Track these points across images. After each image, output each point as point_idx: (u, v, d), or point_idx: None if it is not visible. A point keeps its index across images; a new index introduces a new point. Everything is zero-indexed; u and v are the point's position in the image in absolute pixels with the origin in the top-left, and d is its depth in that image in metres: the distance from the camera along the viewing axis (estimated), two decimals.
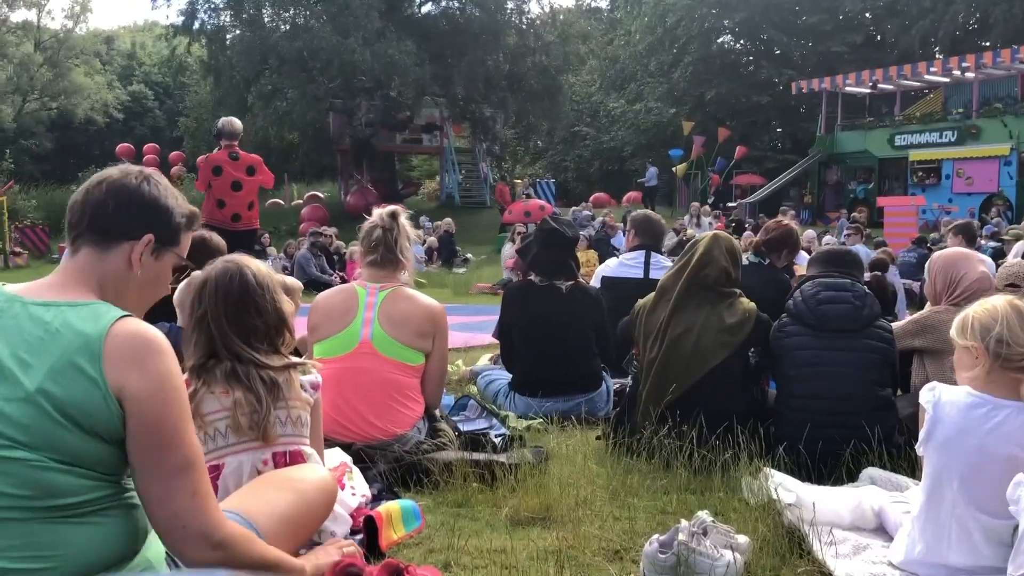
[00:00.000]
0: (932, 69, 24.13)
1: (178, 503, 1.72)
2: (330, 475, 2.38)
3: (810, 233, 12.77)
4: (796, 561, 2.42)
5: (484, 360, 5.73)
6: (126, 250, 1.83)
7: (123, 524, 1.77)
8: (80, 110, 35.20)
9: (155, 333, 1.76)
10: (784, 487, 2.74)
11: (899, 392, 3.66)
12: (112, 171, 1.89)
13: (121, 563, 1.76)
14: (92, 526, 1.71)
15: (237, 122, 7.97)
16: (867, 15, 33.69)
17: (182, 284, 3.58)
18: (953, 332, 2.41)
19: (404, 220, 3.58)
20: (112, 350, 1.68)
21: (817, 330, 3.36)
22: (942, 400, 2.35)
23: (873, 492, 2.80)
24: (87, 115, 35.41)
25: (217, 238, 4.20)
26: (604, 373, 4.52)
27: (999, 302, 2.34)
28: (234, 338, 2.36)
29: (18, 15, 35.83)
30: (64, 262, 1.86)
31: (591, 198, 25.29)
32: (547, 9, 28.02)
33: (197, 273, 2.49)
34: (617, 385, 4.52)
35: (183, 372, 2.32)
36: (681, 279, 3.61)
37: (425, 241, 16.56)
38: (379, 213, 3.59)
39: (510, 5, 26.23)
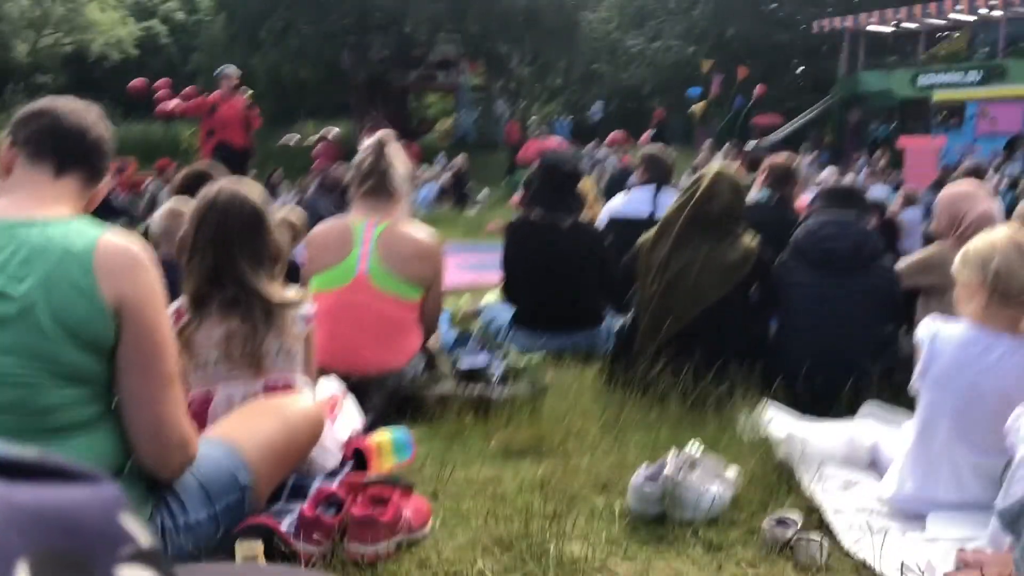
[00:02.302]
0: (958, 7, 23.40)
1: (166, 410, 1.80)
2: (316, 404, 2.38)
3: (830, 170, 12.57)
4: (784, 496, 2.42)
5: (490, 298, 5.71)
6: (100, 184, 1.94)
7: (110, 440, 1.80)
8: (95, 46, 34.91)
9: (140, 247, 1.82)
10: (777, 421, 2.73)
11: (905, 329, 3.63)
12: (80, 103, 1.95)
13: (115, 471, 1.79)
14: (80, 442, 1.74)
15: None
16: None
17: (157, 215, 3.55)
18: (954, 265, 2.36)
19: (394, 148, 3.51)
20: (103, 263, 1.72)
21: (818, 266, 3.32)
22: (939, 335, 2.31)
23: (869, 427, 2.78)
24: (102, 50, 35.13)
25: (220, 169, 4.18)
26: (607, 310, 4.50)
27: (999, 235, 2.29)
28: (241, 262, 2.33)
29: None
30: (37, 180, 1.84)
31: (608, 137, 24.95)
32: None
33: (176, 204, 2.46)
34: (619, 325, 4.49)
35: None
36: (683, 214, 3.56)
37: (440, 178, 16.42)
38: (367, 142, 3.54)
39: None
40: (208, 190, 2.40)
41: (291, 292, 2.47)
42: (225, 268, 2.32)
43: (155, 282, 1.80)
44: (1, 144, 1.88)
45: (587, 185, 11.26)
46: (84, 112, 1.91)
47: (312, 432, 2.31)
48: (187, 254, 2.37)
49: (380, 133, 3.59)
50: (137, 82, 20.33)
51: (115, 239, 1.77)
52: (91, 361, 1.73)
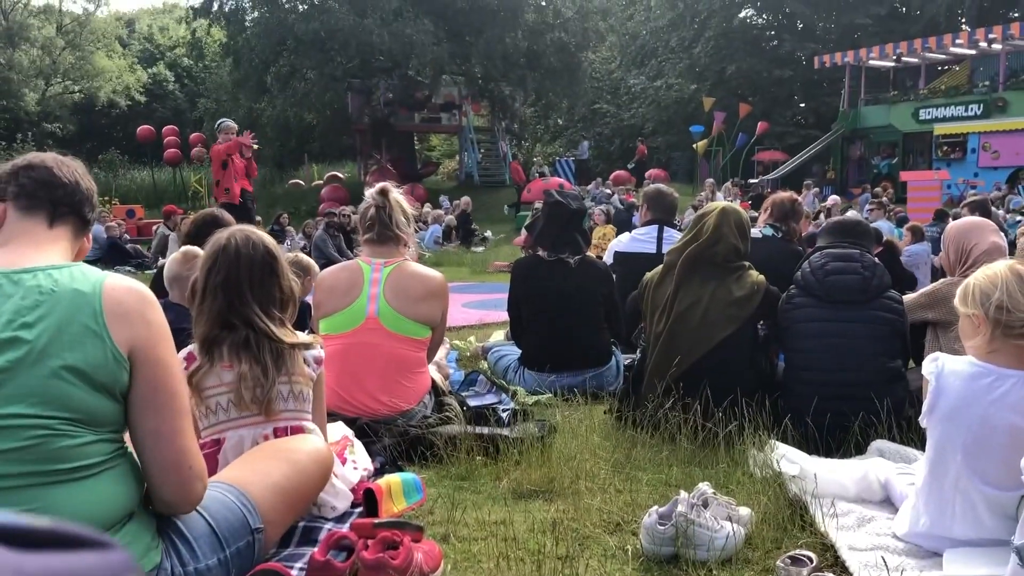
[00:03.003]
0: (958, 41, 23.65)
1: (186, 443, 1.84)
2: (325, 446, 2.38)
3: (834, 198, 12.59)
4: (798, 533, 2.39)
5: (497, 336, 5.72)
6: (87, 234, 2.00)
7: (121, 484, 1.79)
8: (102, 93, 35.44)
9: (144, 286, 1.86)
10: (788, 459, 2.71)
11: (912, 365, 3.62)
12: (64, 157, 1.99)
13: (116, 526, 1.77)
14: (92, 486, 1.73)
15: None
16: None
17: (170, 259, 3.58)
18: (956, 301, 2.36)
19: (396, 195, 3.58)
20: (111, 306, 1.74)
21: (825, 301, 3.32)
22: (945, 370, 2.29)
23: (880, 464, 2.76)
24: (109, 98, 35.64)
25: (228, 215, 4.23)
26: (614, 348, 4.50)
27: (1000, 267, 2.28)
28: (254, 305, 2.35)
29: None
30: (32, 231, 1.86)
31: (611, 176, 25.07)
32: None
33: (189, 249, 2.48)
34: (628, 360, 4.49)
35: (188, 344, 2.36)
36: (688, 252, 3.57)
37: (443, 220, 16.52)
38: (370, 192, 3.60)
39: None
40: (220, 234, 2.43)
41: (302, 335, 2.48)
42: (236, 311, 2.33)
43: (162, 320, 1.83)
44: None
45: (608, 231, 11.34)
46: (72, 164, 1.96)
47: (322, 474, 2.31)
48: (199, 298, 2.38)
49: (380, 184, 3.66)
50: (144, 129, 20.60)
51: (120, 281, 1.80)
52: (104, 404, 1.74)
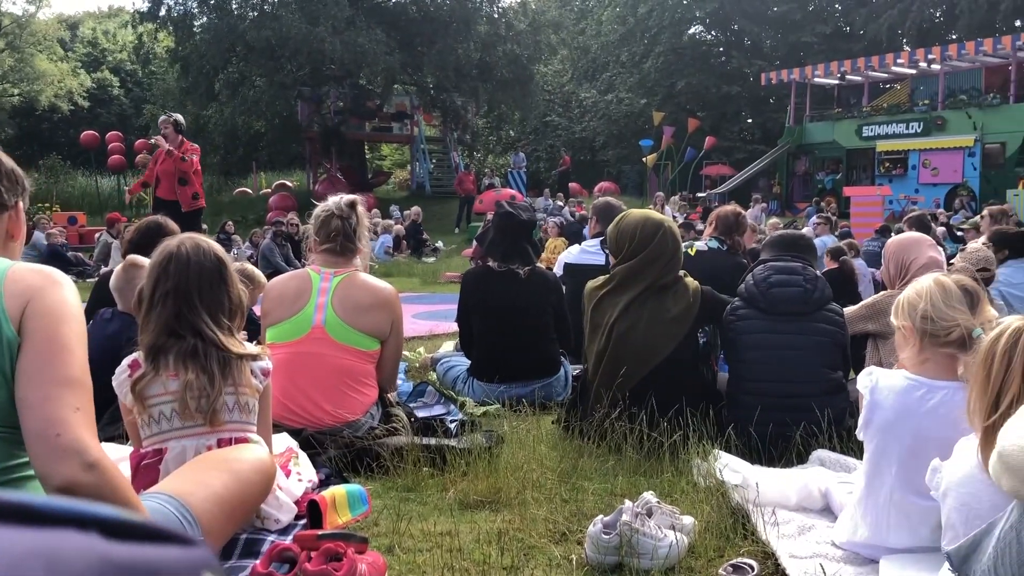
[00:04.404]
0: (899, 61, 24.36)
1: (56, 411, 1.61)
2: (268, 456, 2.35)
3: (774, 221, 12.83)
4: (740, 542, 2.43)
5: (446, 347, 5.71)
6: (5, 220, 1.87)
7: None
8: (43, 97, 34.62)
9: (56, 271, 1.78)
10: (731, 468, 2.75)
11: (853, 375, 3.70)
12: None
13: None
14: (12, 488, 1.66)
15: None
16: (836, 5, 33.96)
17: (117, 269, 3.52)
18: (891, 316, 2.43)
19: (362, 209, 3.57)
20: (11, 285, 1.68)
21: (768, 313, 3.38)
22: (879, 384, 2.35)
23: (820, 473, 2.82)
24: (51, 102, 34.83)
25: (172, 223, 4.16)
26: (563, 359, 4.52)
27: (926, 281, 2.37)
28: (202, 313, 2.32)
29: None
30: None
31: (569, 187, 25.25)
32: None
33: (135, 257, 2.44)
34: (576, 371, 4.51)
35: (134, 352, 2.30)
36: (622, 273, 3.59)
37: (393, 230, 16.45)
38: (336, 202, 3.56)
39: None
40: (170, 241, 2.40)
41: (250, 346, 2.45)
42: (184, 319, 2.30)
43: (65, 297, 1.72)
44: None
45: (559, 243, 11.40)
46: None
47: (264, 484, 2.27)
48: (146, 305, 2.34)
49: (349, 196, 3.62)
50: (88, 134, 20.18)
51: (26, 266, 1.73)
52: (7, 393, 1.65)
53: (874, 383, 2.36)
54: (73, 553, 0.43)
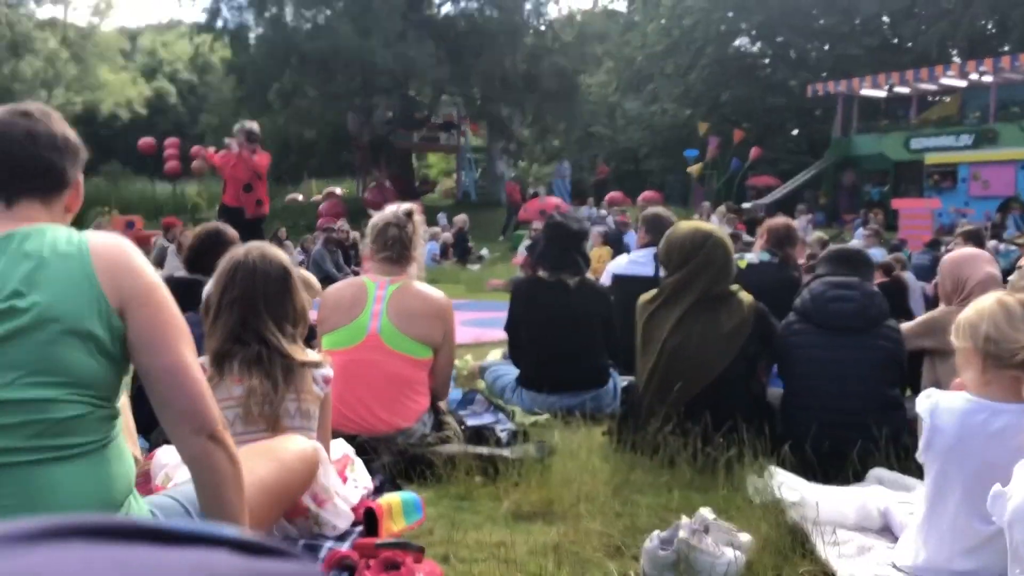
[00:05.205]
0: (949, 73, 23.92)
1: (203, 378, 1.75)
2: (311, 445, 2.37)
3: (818, 234, 12.66)
4: (798, 560, 2.40)
5: (494, 355, 5.73)
6: (63, 196, 1.84)
7: (121, 461, 1.75)
8: (105, 106, 35.59)
9: (123, 237, 1.80)
10: (788, 485, 2.72)
11: (909, 392, 3.64)
12: (12, 118, 1.78)
13: (119, 507, 1.73)
14: (90, 464, 1.67)
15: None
16: (884, 18, 33.44)
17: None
18: (951, 335, 2.39)
19: (418, 218, 3.61)
20: (100, 263, 1.68)
21: (824, 329, 3.34)
22: (940, 407, 2.29)
23: (879, 492, 2.78)
24: (111, 111, 35.78)
25: (231, 230, 4.24)
26: (612, 370, 4.51)
27: (988, 300, 2.32)
28: (267, 320, 2.38)
29: (44, 11, 36.38)
30: None
31: (606, 197, 25.18)
32: (565, 11, 28.04)
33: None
34: (625, 382, 4.50)
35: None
36: (678, 288, 3.56)
37: (440, 238, 16.55)
38: (394, 211, 3.60)
39: (528, 6, 26.26)
40: (237, 250, 2.46)
41: (312, 353, 2.49)
42: (250, 326, 2.35)
43: (149, 267, 1.76)
44: None
45: (604, 252, 11.38)
46: (25, 134, 1.76)
47: (307, 472, 2.30)
48: (213, 312, 2.40)
49: (407, 205, 3.67)
50: (145, 141, 20.62)
51: (102, 237, 1.75)
52: (103, 367, 1.68)
53: (934, 406, 2.31)
54: (226, 567, 0.46)
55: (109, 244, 1.73)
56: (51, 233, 1.70)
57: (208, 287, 2.59)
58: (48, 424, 1.62)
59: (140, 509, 1.82)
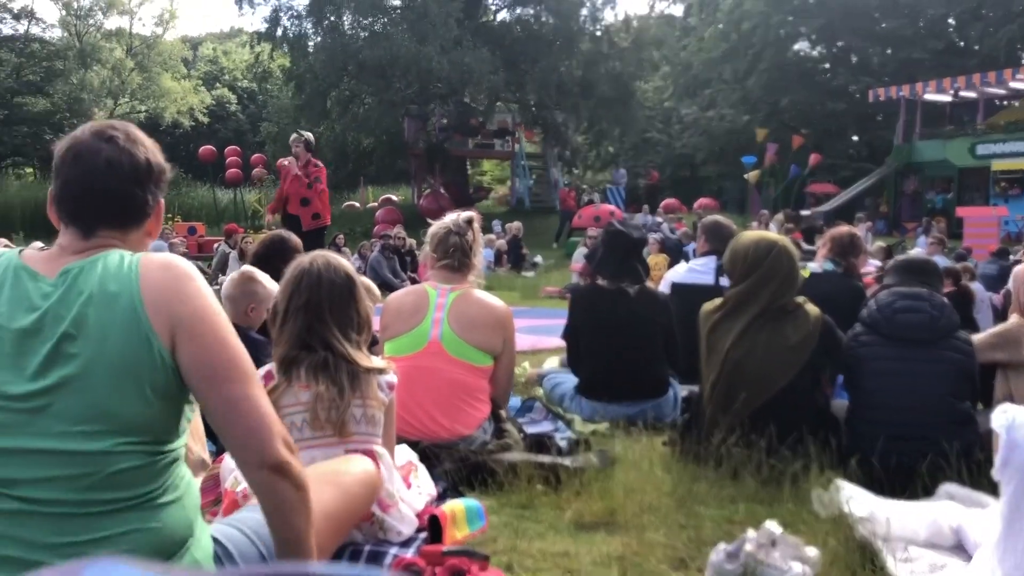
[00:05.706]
0: (1019, 76, 23.27)
1: (264, 406, 1.68)
2: (373, 468, 2.38)
3: (879, 244, 12.40)
4: None
5: (551, 363, 5.73)
6: (144, 224, 1.80)
7: (181, 506, 1.70)
8: (168, 113, 36.53)
9: (179, 259, 1.75)
10: (856, 500, 2.67)
11: (980, 406, 3.55)
12: (96, 142, 1.73)
13: (178, 553, 1.69)
14: (151, 514, 1.63)
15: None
16: (949, 20, 32.69)
17: (232, 276, 3.66)
18: None
19: (477, 226, 3.64)
20: (149, 294, 1.62)
21: (893, 340, 3.27)
22: (1016, 423, 2.22)
23: (951, 508, 2.71)
24: (174, 118, 36.71)
25: (295, 238, 4.32)
26: (671, 379, 4.48)
27: None
28: (332, 327, 2.42)
29: (112, 22, 37.50)
30: (71, 237, 1.72)
31: (661, 204, 25.04)
32: (621, 16, 27.96)
33: (250, 269, 2.54)
34: (685, 392, 4.46)
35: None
36: (742, 298, 3.52)
37: (495, 245, 16.62)
38: (454, 220, 3.64)
39: (584, 12, 26.26)
40: (303, 258, 2.51)
41: (376, 360, 2.53)
42: (316, 333, 2.40)
43: (203, 291, 1.69)
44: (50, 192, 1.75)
45: (661, 260, 11.33)
46: (106, 164, 1.71)
47: (368, 496, 2.32)
48: (280, 319, 2.45)
49: (467, 213, 3.70)
50: (206, 149, 21.09)
51: (157, 262, 1.68)
52: (159, 410, 1.63)
53: (1010, 421, 2.25)
54: None
55: (160, 269, 1.67)
56: (102, 265, 1.65)
57: (275, 295, 2.64)
58: (101, 477, 1.56)
59: (203, 548, 1.76)
